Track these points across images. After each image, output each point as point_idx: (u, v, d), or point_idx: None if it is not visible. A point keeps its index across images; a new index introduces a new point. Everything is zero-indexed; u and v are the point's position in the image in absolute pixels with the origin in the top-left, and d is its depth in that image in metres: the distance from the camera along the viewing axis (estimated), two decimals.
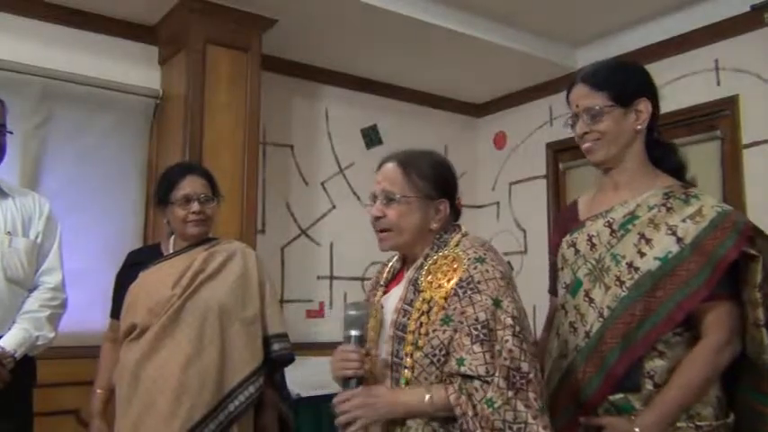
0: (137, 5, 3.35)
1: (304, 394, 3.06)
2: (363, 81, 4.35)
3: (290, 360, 2.18)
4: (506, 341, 1.36)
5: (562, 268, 1.70)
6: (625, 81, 1.62)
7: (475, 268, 1.43)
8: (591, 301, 1.58)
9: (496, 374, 1.33)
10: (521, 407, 1.32)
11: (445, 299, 1.42)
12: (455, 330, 1.38)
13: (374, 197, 1.58)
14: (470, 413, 1.31)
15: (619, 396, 1.51)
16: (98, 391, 2.20)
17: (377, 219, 1.55)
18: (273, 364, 2.14)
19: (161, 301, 2.01)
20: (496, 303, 1.39)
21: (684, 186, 1.61)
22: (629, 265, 1.53)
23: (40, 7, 3.25)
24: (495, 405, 1.31)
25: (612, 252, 1.57)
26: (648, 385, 1.50)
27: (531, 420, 1.31)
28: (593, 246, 1.62)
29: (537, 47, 4.00)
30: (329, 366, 1.51)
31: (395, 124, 4.45)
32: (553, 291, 1.83)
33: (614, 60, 1.80)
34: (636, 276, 1.52)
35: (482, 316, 1.37)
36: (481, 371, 1.33)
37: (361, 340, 1.47)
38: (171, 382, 1.91)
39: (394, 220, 1.52)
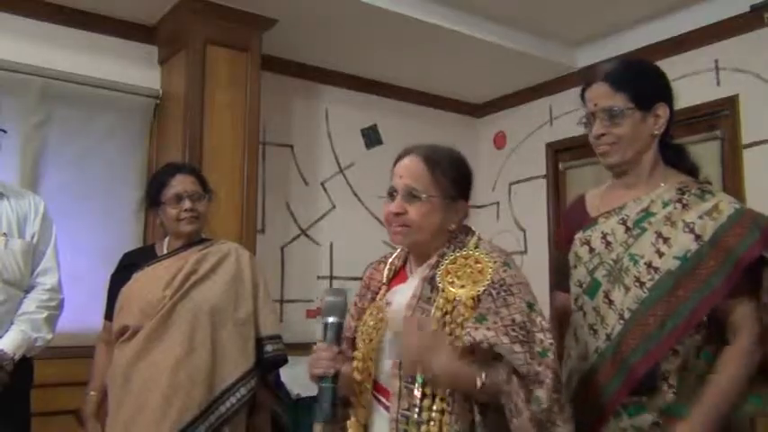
0: (137, 5, 3.35)
1: (304, 394, 3.06)
2: (363, 81, 4.35)
3: (283, 362, 2.17)
4: (551, 344, 1.35)
5: (575, 266, 1.68)
6: (646, 84, 1.59)
7: (505, 271, 1.42)
8: (611, 302, 1.56)
9: (548, 376, 1.31)
10: (555, 408, 1.32)
11: (474, 299, 1.40)
12: (488, 329, 1.35)
13: (393, 192, 1.52)
14: (523, 397, 1.30)
15: (633, 398, 1.50)
16: (91, 392, 2.19)
17: (396, 215, 1.49)
18: (267, 366, 2.13)
19: (152, 303, 2.01)
20: (530, 306, 1.39)
21: (698, 182, 1.59)
22: (648, 265, 1.51)
23: (40, 7, 3.25)
24: (542, 405, 1.30)
25: (630, 252, 1.54)
26: (663, 386, 1.48)
27: (560, 423, 1.32)
28: (608, 244, 1.59)
29: (537, 47, 4.00)
30: None
31: (395, 124, 4.45)
32: (559, 287, 1.81)
33: (635, 60, 1.76)
34: (656, 277, 1.49)
35: (518, 318, 1.36)
36: (523, 370, 1.31)
37: (339, 328, 1.44)
38: (161, 384, 1.91)
39: (415, 218, 1.48)
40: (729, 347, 1.46)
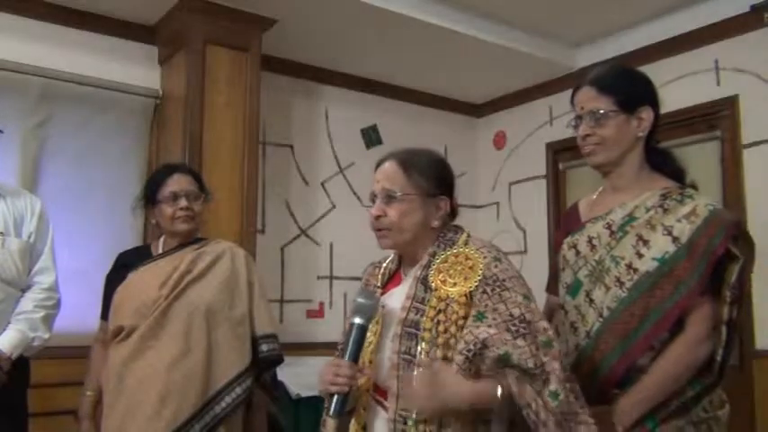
0: (137, 5, 3.35)
1: (304, 394, 3.06)
2: (363, 81, 4.35)
3: (279, 361, 2.17)
4: (554, 334, 1.37)
5: (563, 269, 1.74)
6: (631, 88, 1.66)
7: (496, 266, 1.43)
8: (591, 301, 1.62)
9: (556, 367, 1.32)
10: (572, 398, 1.34)
11: (466, 296, 1.41)
12: (489, 326, 1.36)
13: (374, 197, 1.56)
14: (540, 402, 1.30)
15: (615, 391, 1.54)
16: (87, 392, 2.18)
17: (377, 218, 1.53)
18: (263, 365, 2.13)
19: (147, 303, 2.00)
20: (527, 298, 1.40)
21: (681, 187, 1.64)
22: (629, 266, 1.57)
23: (40, 7, 3.26)
24: (560, 397, 1.31)
25: (612, 254, 1.60)
26: (639, 378, 1.54)
27: (579, 410, 1.34)
28: (593, 247, 1.65)
29: (537, 47, 4.00)
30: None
31: (395, 124, 4.45)
32: (551, 289, 1.86)
33: (621, 66, 1.86)
34: (635, 277, 1.55)
35: (516, 311, 1.37)
36: (530, 364, 1.32)
37: (362, 331, 1.44)
38: (156, 384, 1.91)
39: (395, 219, 1.51)
40: (678, 338, 1.52)
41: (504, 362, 1.33)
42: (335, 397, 1.41)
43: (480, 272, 1.42)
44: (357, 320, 1.44)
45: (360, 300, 1.46)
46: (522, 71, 4.26)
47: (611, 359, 1.54)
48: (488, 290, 1.40)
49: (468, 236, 1.55)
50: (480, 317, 1.38)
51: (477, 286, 1.41)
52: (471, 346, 1.35)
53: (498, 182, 4.77)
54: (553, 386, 1.31)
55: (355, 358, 1.44)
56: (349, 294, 4.04)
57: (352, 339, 1.43)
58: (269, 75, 3.76)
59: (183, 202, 2.13)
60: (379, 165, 1.59)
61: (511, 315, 1.36)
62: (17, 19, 3.22)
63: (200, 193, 2.20)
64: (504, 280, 1.41)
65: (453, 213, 1.60)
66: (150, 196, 2.18)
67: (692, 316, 1.52)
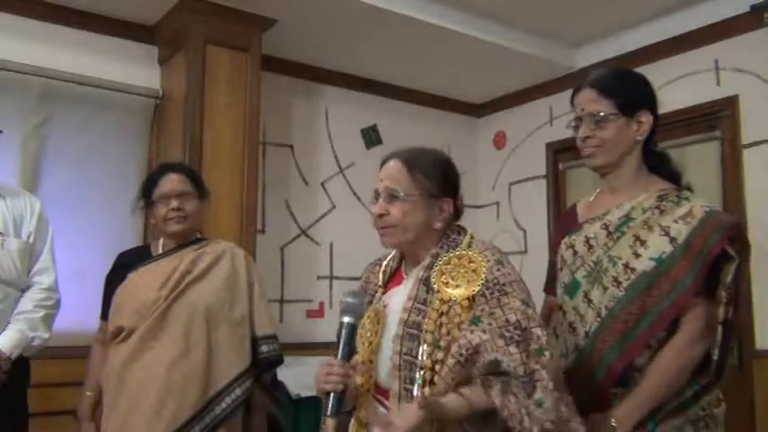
0: (137, 5, 3.35)
1: (304, 394, 3.06)
2: (363, 81, 4.35)
3: (279, 362, 2.17)
4: (548, 342, 1.37)
5: (561, 269, 1.75)
6: (631, 91, 1.67)
7: (498, 270, 1.43)
8: (589, 301, 1.63)
9: (544, 376, 1.32)
10: (563, 407, 1.33)
11: (468, 300, 1.41)
12: (484, 331, 1.36)
13: (377, 195, 1.56)
14: (524, 411, 1.30)
15: (613, 390, 1.56)
16: (87, 393, 2.19)
17: (380, 216, 1.53)
18: (262, 366, 2.13)
19: (147, 303, 2.00)
20: (525, 303, 1.40)
21: (678, 189, 1.66)
22: (626, 266, 1.58)
23: (40, 7, 3.26)
24: (545, 405, 1.31)
25: (609, 254, 1.62)
26: (637, 378, 1.55)
27: (573, 418, 1.34)
28: (590, 247, 1.67)
29: (537, 47, 4.00)
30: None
31: (395, 124, 4.45)
32: (549, 290, 1.88)
33: (621, 69, 1.86)
34: (632, 277, 1.57)
35: (512, 317, 1.36)
36: (520, 371, 1.32)
37: (352, 329, 1.45)
38: (156, 384, 1.91)
39: (398, 217, 1.51)
40: (671, 340, 1.54)
41: (494, 367, 1.34)
42: (331, 396, 1.41)
43: (483, 275, 1.42)
44: (346, 319, 1.45)
45: (347, 299, 1.48)
46: (522, 71, 4.26)
47: (610, 358, 1.55)
48: (488, 293, 1.40)
49: (472, 237, 1.54)
50: (476, 321, 1.38)
51: (479, 290, 1.41)
52: (464, 351, 1.36)
53: (498, 182, 4.77)
54: (538, 394, 1.31)
55: (347, 356, 1.44)
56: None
57: (342, 338, 1.45)
58: (269, 75, 3.76)
59: (173, 203, 2.12)
60: (383, 163, 1.59)
61: (507, 321, 1.36)
62: (17, 19, 3.22)
63: (194, 193, 2.18)
64: (504, 284, 1.41)
65: (457, 214, 1.60)
66: (147, 196, 2.18)
67: (686, 316, 1.54)
